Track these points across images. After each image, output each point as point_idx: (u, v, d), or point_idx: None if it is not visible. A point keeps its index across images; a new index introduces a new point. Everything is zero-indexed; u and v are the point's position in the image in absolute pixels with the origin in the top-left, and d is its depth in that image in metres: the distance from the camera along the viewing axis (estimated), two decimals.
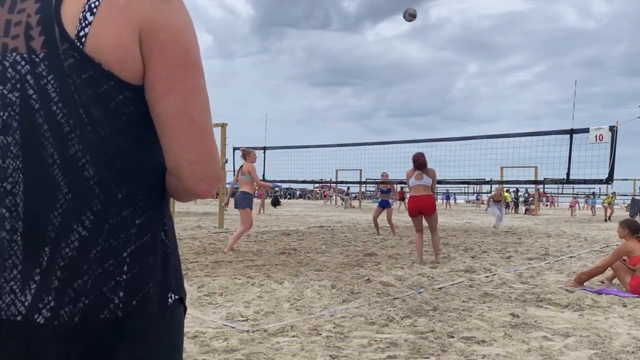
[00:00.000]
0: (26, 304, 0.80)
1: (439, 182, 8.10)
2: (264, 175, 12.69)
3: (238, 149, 12.12)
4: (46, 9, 0.81)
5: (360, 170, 18.99)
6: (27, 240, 0.82)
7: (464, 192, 42.65)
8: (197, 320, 3.89)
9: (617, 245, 6.50)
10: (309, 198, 50.08)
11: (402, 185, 19.15)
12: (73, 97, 0.80)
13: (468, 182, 15.11)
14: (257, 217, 16.48)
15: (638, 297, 5.04)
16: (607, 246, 9.91)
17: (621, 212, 26.33)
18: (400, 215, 19.63)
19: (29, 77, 0.81)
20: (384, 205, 11.87)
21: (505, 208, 21.27)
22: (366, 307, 4.43)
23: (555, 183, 12.22)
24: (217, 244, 8.81)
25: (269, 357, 3.10)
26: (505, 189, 19.75)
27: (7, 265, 0.82)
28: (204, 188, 0.88)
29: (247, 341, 3.38)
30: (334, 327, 3.75)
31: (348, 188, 32.24)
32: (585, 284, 5.59)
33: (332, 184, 31.07)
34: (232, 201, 9.36)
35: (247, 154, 8.16)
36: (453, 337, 3.58)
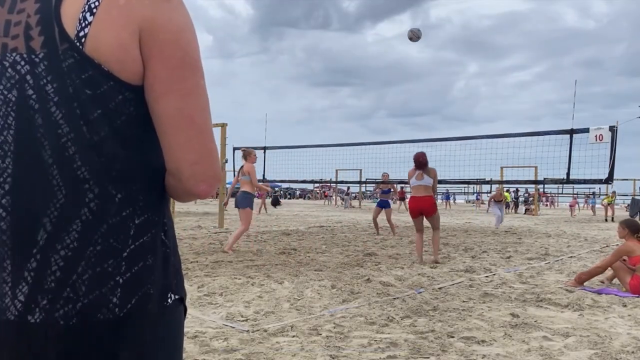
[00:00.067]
0: (19, 304, 0.80)
1: (439, 182, 8.09)
2: (264, 175, 12.70)
3: (238, 149, 12.13)
4: (46, 9, 0.81)
5: (360, 170, 18.99)
6: (23, 241, 0.81)
7: (464, 192, 42.65)
8: (197, 320, 3.89)
9: (617, 245, 6.50)
10: (309, 198, 50.07)
11: (402, 185, 19.16)
12: (72, 98, 0.80)
13: (468, 182, 15.11)
14: (257, 217, 16.48)
15: (638, 297, 5.04)
16: (607, 246, 9.91)
17: (621, 212, 26.33)
18: (400, 215, 19.64)
19: (28, 77, 0.81)
20: (384, 205, 11.87)
21: (505, 208, 21.25)
22: (366, 307, 4.43)
23: (555, 183, 12.23)
24: (217, 244, 8.81)
25: (269, 357, 3.10)
26: (505, 189, 19.75)
27: (2, 266, 0.82)
28: (204, 188, 0.88)
29: (247, 341, 3.38)
30: (334, 327, 3.75)
31: (348, 188, 32.25)
32: (585, 284, 5.59)
33: (332, 184, 31.06)
34: (232, 201, 9.37)
35: (248, 154, 8.17)
36: (453, 337, 3.58)
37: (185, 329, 2.76)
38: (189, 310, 3.54)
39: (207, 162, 0.86)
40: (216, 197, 15.94)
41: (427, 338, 3.53)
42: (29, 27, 0.82)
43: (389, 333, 3.66)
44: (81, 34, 0.79)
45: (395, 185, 14.58)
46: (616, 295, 5.12)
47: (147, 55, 0.82)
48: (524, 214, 25.74)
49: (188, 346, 3.23)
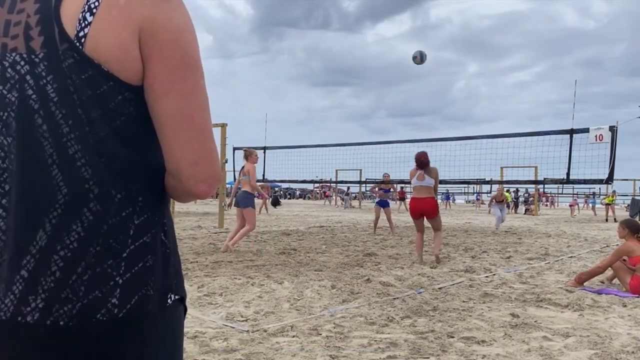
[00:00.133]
0: (19, 304, 0.80)
1: (440, 182, 8.08)
2: (264, 175, 12.70)
3: (238, 149, 12.14)
4: (46, 9, 0.81)
5: (360, 170, 18.99)
6: (23, 241, 0.81)
7: (464, 192, 42.64)
8: (197, 320, 3.89)
9: (617, 245, 6.50)
10: (309, 198, 50.07)
11: (402, 185, 19.15)
12: (72, 98, 0.80)
13: (468, 182, 15.11)
14: (257, 217, 16.46)
15: (638, 297, 5.04)
16: (607, 246, 9.91)
17: (621, 212, 26.32)
18: (401, 215, 19.64)
19: (28, 77, 0.81)
20: (384, 204, 11.90)
21: (506, 208, 21.23)
22: (366, 307, 4.43)
23: (555, 183, 12.23)
24: (217, 244, 8.80)
25: (269, 357, 3.10)
26: (505, 189, 19.74)
27: (2, 266, 0.82)
28: (204, 189, 0.88)
29: (247, 341, 3.38)
30: (334, 327, 3.75)
31: (348, 188, 32.25)
32: (585, 284, 5.59)
33: (332, 184, 31.07)
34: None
35: (249, 154, 8.17)
36: (453, 337, 3.58)
37: (185, 329, 2.76)
38: (189, 310, 3.54)
39: (207, 162, 0.86)
40: (216, 197, 15.94)
41: (427, 338, 3.53)
42: (29, 27, 0.82)
43: (389, 333, 3.66)
44: (81, 34, 0.79)
45: (394, 185, 14.57)
46: (616, 295, 5.12)
47: (147, 55, 0.82)
48: (524, 214, 25.74)
49: (188, 346, 3.23)
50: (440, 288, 5.32)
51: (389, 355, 3.16)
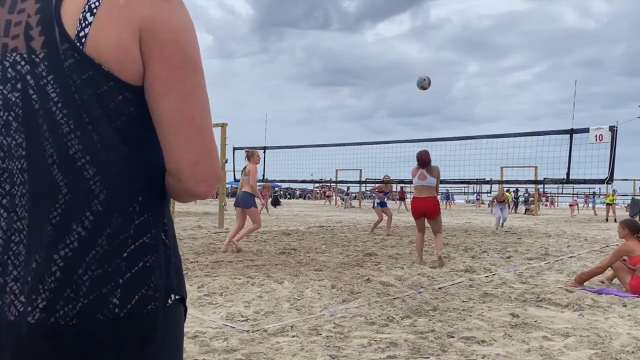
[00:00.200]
0: (20, 305, 0.80)
1: (440, 181, 8.07)
2: (264, 175, 12.70)
3: (238, 149, 12.15)
4: (46, 9, 0.81)
5: (360, 170, 18.99)
6: (24, 241, 0.81)
7: (464, 192, 42.64)
8: (197, 320, 3.89)
9: (617, 245, 6.50)
10: (309, 198, 50.07)
11: (402, 185, 19.15)
12: (73, 98, 0.80)
13: (468, 182, 15.11)
14: None
15: (638, 297, 5.05)
16: (607, 246, 9.91)
17: (621, 212, 26.32)
18: (401, 215, 19.64)
19: (28, 77, 0.81)
20: (384, 204, 11.96)
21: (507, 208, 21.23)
22: (366, 307, 4.43)
23: (555, 183, 12.23)
24: (217, 243, 8.80)
25: (269, 357, 3.10)
26: (505, 189, 19.74)
27: (3, 266, 0.82)
28: (204, 189, 0.88)
29: (247, 341, 3.38)
30: (334, 327, 3.75)
31: (348, 188, 32.25)
32: (585, 284, 5.59)
33: (332, 184, 31.07)
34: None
35: (252, 155, 8.17)
36: (453, 337, 3.58)
37: (185, 329, 2.76)
38: (189, 310, 3.54)
39: (207, 162, 0.86)
40: (216, 197, 15.94)
41: (427, 338, 3.53)
42: (29, 27, 0.82)
43: (389, 333, 3.66)
44: (81, 34, 0.79)
45: (391, 186, 14.57)
46: (616, 295, 5.12)
47: (147, 55, 0.82)
48: (524, 214, 25.74)
49: (188, 346, 3.23)
50: (440, 288, 5.33)
51: (389, 355, 3.16)
